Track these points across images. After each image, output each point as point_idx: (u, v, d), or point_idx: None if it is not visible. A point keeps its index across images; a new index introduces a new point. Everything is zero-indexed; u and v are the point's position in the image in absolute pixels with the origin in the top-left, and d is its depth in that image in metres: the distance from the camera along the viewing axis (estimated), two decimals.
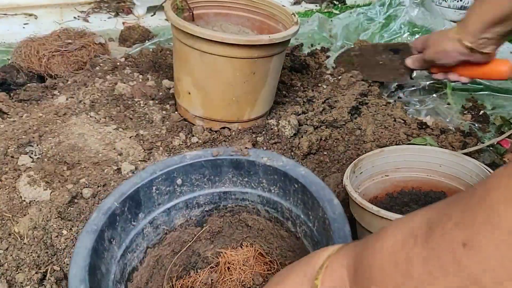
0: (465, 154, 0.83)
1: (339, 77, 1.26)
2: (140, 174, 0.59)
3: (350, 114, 1.08)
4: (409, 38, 1.56)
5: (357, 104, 1.12)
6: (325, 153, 0.98)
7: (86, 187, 0.82)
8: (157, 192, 0.60)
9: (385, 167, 0.79)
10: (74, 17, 1.68)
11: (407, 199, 0.80)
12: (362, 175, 0.76)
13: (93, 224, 0.51)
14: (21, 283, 0.66)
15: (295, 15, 1.01)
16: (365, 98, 1.16)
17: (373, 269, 0.31)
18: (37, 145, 0.91)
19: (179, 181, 0.61)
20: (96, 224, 0.51)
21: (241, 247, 0.68)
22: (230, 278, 0.65)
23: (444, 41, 1.02)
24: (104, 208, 0.53)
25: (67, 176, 0.84)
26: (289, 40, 0.96)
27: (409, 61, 1.18)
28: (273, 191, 0.61)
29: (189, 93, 0.99)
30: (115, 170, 0.87)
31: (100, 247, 0.51)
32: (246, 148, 0.60)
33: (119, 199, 0.55)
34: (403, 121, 1.12)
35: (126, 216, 0.56)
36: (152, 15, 1.43)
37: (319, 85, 1.26)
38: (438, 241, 0.26)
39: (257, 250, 0.68)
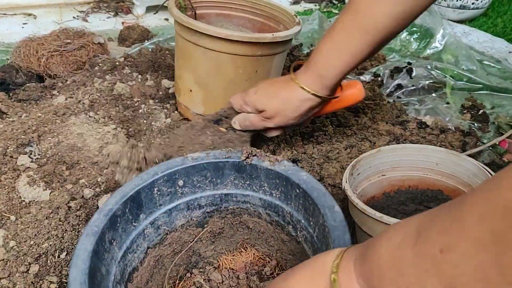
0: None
1: None
2: (141, 176, 0.58)
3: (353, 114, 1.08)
4: (407, 38, 1.57)
5: (362, 106, 1.13)
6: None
7: (86, 187, 0.82)
8: (158, 193, 0.60)
9: (382, 167, 0.79)
10: (73, 17, 1.68)
11: (403, 198, 0.80)
12: (360, 176, 0.76)
13: (94, 226, 0.51)
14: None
15: (296, 16, 1.02)
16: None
17: (374, 266, 0.34)
18: (36, 145, 0.91)
19: (180, 183, 0.61)
20: (97, 226, 0.51)
21: (244, 249, 0.68)
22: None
23: (291, 100, 0.78)
24: (105, 210, 0.53)
25: (67, 176, 0.84)
26: (291, 39, 0.97)
27: (238, 123, 0.85)
28: (274, 195, 0.61)
29: (191, 91, 0.99)
30: (115, 170, 0.87)
31: (100, 248, 0.50)
32: (248, 155, 0.60)
33: (120, 201, 0.54)
34: (402, 121, 1.12)
35: (127, 217, 0.56)
36: (154, 13, 1.43)
37: None
38: (423, 246, 0.29)
39: (256, 255, 0.68)
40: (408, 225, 0.33)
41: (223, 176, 0.62)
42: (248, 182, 0.62)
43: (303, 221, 0.58)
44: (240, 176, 0.62)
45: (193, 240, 0.66)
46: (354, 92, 0.83)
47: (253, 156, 0.60)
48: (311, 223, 0.56)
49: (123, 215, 0.55)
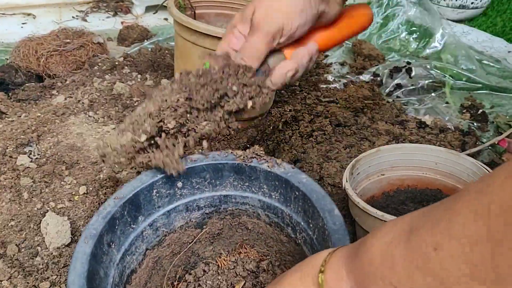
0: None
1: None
2: (140, 177, 0.58)
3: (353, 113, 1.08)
4: (406, 38, 1.57)
5: (362, 106, 1.13)
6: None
7: (85, 186, 0.82)
8: (157, 195, 0.59)
9: (381, 166, 0.79)
10: (73, 17, 1.67)
11: (403, 197, 0.81)
12: (359, 175, 0.76)
13: (92, 229, 0.51)
14: None
15: None
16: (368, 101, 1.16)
17: (366, 262, 0.34)
18: (36, 145, 0.91)
19: (179, 184, 0.61)
20: (95, 229, 0.51)
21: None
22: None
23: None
24: (104, 213, 0.53)
25: (66, 175, 0.84)
26: None
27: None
28: (273, 196, 0.61)
29: None
30: (114, 169, 0.87)
31: (99, 251, 0.50)
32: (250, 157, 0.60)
33: (119, 203, 0.54)
34: (401, 120, 1.12)
35: (125, 220, 0.56)
36: (154, 13, 1.43)
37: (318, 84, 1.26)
38: (415, 244, 0.30)
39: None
40: (401, 222, 0.33)
41: (222, 178, 0.62)
42: (247, 184, 0.62)
43: (302, 223, 0.58)
44: (239, 178, 0.62)
45: (192, 241, 0.66)
46: (362, 13, 0.68)
47: (252, 158, 0.60)
48: (311, 225, 0.56)
49: (122, 218, 0.55)
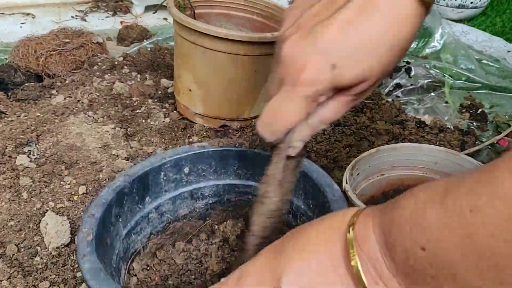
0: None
1: None
2: (150, 159, 0.61)
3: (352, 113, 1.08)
4: None
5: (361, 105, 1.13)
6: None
7: (84, 186, 0.82)
8: (164, 178, 0.62)
9: (381, 166, 0.79)
10: (72, 17, 1.67)
11: None
12: (359, 176, 0.76)
13: (102, 198, 0.54)
14: None
15: None
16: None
17: (395, 217, 0.33)
18: (35, 145, 0.91)
19: (186, 170, 0.63)
20: (105, 199, 0.54)
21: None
22: None
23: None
24: (114, 186, 0.56)
25: (65, 175, 0.84)
26: None
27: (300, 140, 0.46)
28: None
29: (190, 90, 0.99)
30: (113, 169, 0.87)
31: (107, 220, 0.53)
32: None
33: (128, 179, 0.57)
34: (401, 120, 1.12)
35: (133, 197, 0.59)
36: (153, 13, 1.43)
37: None
38: (450, 205, 0.29)
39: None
40: (435, 185, 0.32)
41: (227, 165, 0.64)
42: (251, 172, 0.63)
43: (302, 206, 0.60)
44: (243, 165, 0.64)
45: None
46: None
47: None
48: (311, 206, 0.58)
49: (130, 193, 0.58)
